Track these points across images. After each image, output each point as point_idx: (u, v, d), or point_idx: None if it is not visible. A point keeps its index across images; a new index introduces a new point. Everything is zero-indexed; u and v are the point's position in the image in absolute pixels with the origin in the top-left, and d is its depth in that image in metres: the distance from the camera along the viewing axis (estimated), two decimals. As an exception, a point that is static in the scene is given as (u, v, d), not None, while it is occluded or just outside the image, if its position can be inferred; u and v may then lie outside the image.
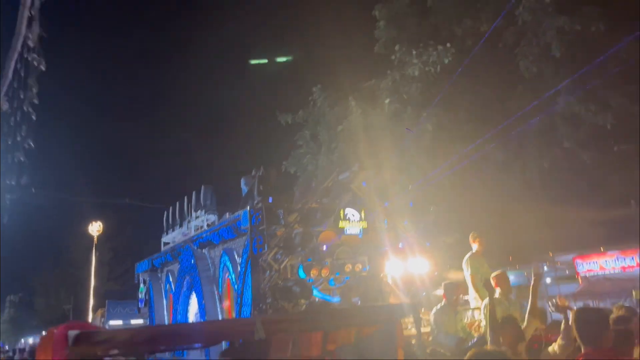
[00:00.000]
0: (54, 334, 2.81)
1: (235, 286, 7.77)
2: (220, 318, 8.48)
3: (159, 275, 11.68)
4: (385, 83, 11.66)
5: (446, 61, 11.09)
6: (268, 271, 6.74)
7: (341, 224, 7.59)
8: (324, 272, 6.87)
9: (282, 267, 6.72)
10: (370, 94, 12.39)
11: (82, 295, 31.18)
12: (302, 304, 6.67)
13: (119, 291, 32.75)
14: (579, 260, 12.86)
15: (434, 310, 5.91)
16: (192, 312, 9.59)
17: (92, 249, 31.82)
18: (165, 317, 11.12)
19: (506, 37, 11.44)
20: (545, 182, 10.69)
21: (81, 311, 31.45)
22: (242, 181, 8.74)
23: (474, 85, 11.21)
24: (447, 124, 10.76)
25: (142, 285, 12.47)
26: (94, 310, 31.87)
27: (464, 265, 7.35)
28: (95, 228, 31.05)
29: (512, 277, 7.37)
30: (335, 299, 7.04)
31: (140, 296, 12.49)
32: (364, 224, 7.94)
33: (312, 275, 6.77)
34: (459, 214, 9.87)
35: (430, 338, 6.01)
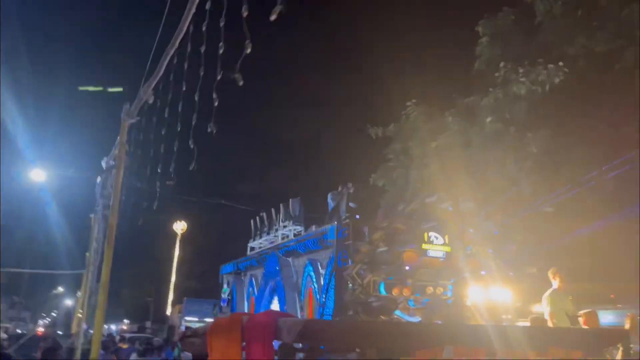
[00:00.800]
0: (261, 323, 3.48)
1: (318, 296, 8.26)
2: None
3: (242, 278, 12.50)
4: (486, 100, 11.58)
5: (556, 80, 10.82)
6: (351, 285, 7.12)
7: (424, 246, 7.85)
8: (406, 292, 7.18)
9: (365, 282, 7.08)
10: (469, 111, 12.49)
11: (163, 290, 33.41)
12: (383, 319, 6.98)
13: (197, 289, 34.55)
14: None
15: None
16: (273, 317, 10.18)
17: (175, 247, 33.87)
18: (246, 319, 11.85)
19: (625, 58, 10.96)
20: None
21: (161, 304, 33.57)
22: (329, 196, 9.26)
23: (585, 108, 10.84)
24: (553, 148, 10.53)
25: (225, 286, 13.37)
26: (173, 305, 33.86)
27: (544, 301, 7.38)
28: (179, 227, 33.13)
29: (611, 317, 7.27)
30: (415, 319, 7.29)
31: (223, 296, 13.38)
32: (448, 248, 8.15)
33: (394, 293, 7.06)
34: (548, 245, 9.72)
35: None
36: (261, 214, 12.01)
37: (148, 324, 33.52)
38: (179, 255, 33.56)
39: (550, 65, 10.86)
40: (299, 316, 9.23)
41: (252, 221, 12.23)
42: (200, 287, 36.04)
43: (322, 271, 8.61)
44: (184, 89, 4.69)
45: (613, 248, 9.41)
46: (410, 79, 14.43)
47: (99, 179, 6.68)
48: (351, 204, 7.81)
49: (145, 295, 35.30)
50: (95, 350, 3.49)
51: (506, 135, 10.93)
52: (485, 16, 12.59)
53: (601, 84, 10.92)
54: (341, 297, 7.55)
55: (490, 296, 7.92)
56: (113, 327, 35.37)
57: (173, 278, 33.17)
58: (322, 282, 8.47)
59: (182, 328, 32.11)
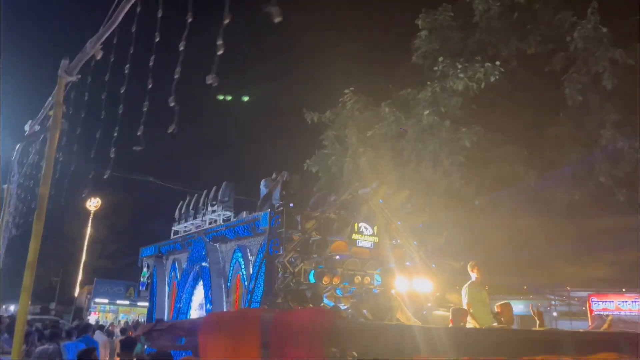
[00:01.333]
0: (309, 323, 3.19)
1: (246, 283, 8.26)
2: (225, 309, 8.91)
3: (164, 262, 12.13)
4: (424, 94, 12.01)
5: (492, 79, 11.35)
6: (282, 272, 7.18)
7: (354, 236, 8.07)
8: (335, 281, 7.39)
9: (296, 270, 7.17)
10: (404, 103, 12.95)
11: (71, 270, 31.60)
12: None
13: (109, 270, 33.09)
14: (594, 298, 13.30)
15: None
16: (196, 302, 10.08)
17: (87, 224, 32.19)
18: (166, 304, 11.62)
19: (554, 62, 11.65)
20: (572, 215, 10.86)
21: (68, 285, 31.84)
22: (262, 183, 9.23)
23: (515, 108, 11.56)
24: (485, 143, 11.20)
25: (145, 269, 12.98)
26: (81, 286, 32.26)
27: (463, 292, 7.86)
28: (93, 204, 31.43)
29: (520, 307, 7.88)
30: (342, 308, 7.50)
31: (142, 279, 13.00)
32: (376, 239, 8.47)
33: (324, 282, 7.23)
34: (473, 239, 10.33)
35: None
36: (188, 198, 11.71)
37: (53, 305, 31.69)
38: (90, 233, 31.97)
39: (488, 64, 11.42)
40: (224, 303, 9.17)
41: (180, 203, 11.90)
42: (112, 267, 34.58)
43: (251, 258, 8.61)
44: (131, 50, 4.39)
45: (529, 243, 10.21)
46: (348, 67, 14.62)
47: (18, 146, 6.17)
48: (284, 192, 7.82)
49: (50, 274, 33.30)
50: (18, 342, 3.25)
51: (441, 128, 11.43)
52: (424, 10, 12.91)
53: (530, 85, 11.64)
54: (271, 284, 7.61)
55: (413, 286, 8.31)
56: (12, 307, 33.07)
57: (83, 257, 31.57)
58: (251, 269, 8.48)
59: (92, 310, 30.71)
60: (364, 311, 6.93)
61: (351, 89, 13.60)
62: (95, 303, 31.93)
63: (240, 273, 8.73)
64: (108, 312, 31.82)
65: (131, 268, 35.65)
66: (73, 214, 32.67)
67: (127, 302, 31.99)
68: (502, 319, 6.46)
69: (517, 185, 10.50)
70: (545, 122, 11.47)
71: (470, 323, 7.73)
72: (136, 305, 32.52)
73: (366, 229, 8.49)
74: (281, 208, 7.85)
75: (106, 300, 31.94)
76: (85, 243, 31.82)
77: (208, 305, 9.28)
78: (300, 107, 14.22)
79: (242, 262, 8.67)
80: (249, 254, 8.71)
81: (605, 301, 13.26)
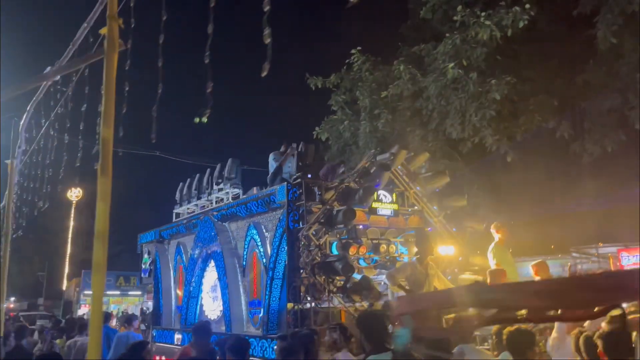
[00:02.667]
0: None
1: (264, 260, 7.99)
2: (241, 290, 8.67)
3: (166, 247, 11.77)
4: (443, 47, 11.28)
5: (521, 24, 10.50)
6: (306, 245, 6.94)
7: (374, 204, 7.83)
8: (362, 251, 7.15)
9: (321, 242, 6.94)
10: (417, 61, 12.24)
11: (57, 263, 30.88)
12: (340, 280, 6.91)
13: (96, 261, 32.32)
14: (624, 253, 12.70)
15: None
16: (208, 285, 9.81)
17: (70, 216, 31.41)
18: (172, 289, 11.28)
19: (584, 3, 10.84)
20: (604, 168, 10.33)
21: (55, 279, 31.16)
22: (271, 156, 8.92)
23: (540, 57, 11.10)
24: (513, 95, 10.68)
25: (146, 255, 12.60)
26: (69, 279, 31.65)
27: (490, 254, 7.74)
28: (74, 194, 30.59)
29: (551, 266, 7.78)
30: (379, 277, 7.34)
31: (143, 267, 12.63)
32: (395, 206, 8.27)
33: (351, 252, 7.01)
34: (498, 199, 10.13)
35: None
36: (188, 180, 11.30)
37: (41, 300, 31.02)
38: (74, 225, 31.18)
39: (516, 8, 10.66)
40: (240, 283, 8.92)
41: (180, 185, 11.47)
42: (100, 258, 33.81)
43: (267, 234, 8.34)
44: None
45: (557, 200, 10.04)
46: (350, 29, 14.03)
47: (24, 118, 5.73)
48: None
49: (35, 269, 32.50)
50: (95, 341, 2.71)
51: (467, 82, 10.81)
52: None
53: (555, 32, 11.21)
54: (294, 259, 7.36)
55: (436, 252, 8.15)
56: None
57: (68, 250, 30.83)
58: (268, 246, 8.20)
59: (82, 303, 30.17)
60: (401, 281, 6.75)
61: (358, 48, 12.97)
62: (84, 295, 31.39)
63: (257, 250, 8.45)
64: (99, 303, 31.32)
65: (120, 257, 35.08)
66: (54, 205, 31.81)
67: (117, 292, 31.52)
68: (539, 278, 6.35)
69: (548, 139, 10.24)
70: (574, 70, 10.96)
71: (502, 284, 7.63)
72: (127, 295, 32.10)
73: (385, 196, 8.28)
74: (299, 180, 7.56)
75: (96, 292, 31.42)
76: (70, 235, 31.09)
77: (223, 287, 9.02)
78: (302, 72, 13.64)
79: (258, 239, 8.39)
80: (264, 231, 8.44)
81: (637, 255, 12.61)
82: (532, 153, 10.52)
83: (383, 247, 7.56)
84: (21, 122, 5.89)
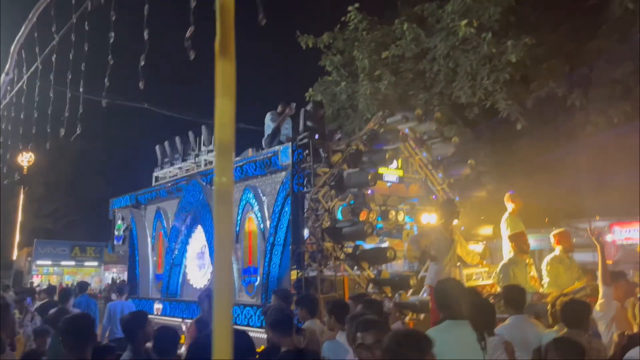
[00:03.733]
0: None
1: (262, 225, 7.53)
2: (233, 258, 8.19)
3: (143, 212, 11.06)
4: (452, 5, 10.67)
5: None
6: (313, 210, 6.53)
7: (380, 169, 7.48)
8: (372, 217, 6.81)
9: (331, 207, 6.55)
10: (420, 20, 11.62)
11: (7, 231, 29.14)
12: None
13: (49, 230, 30.88)
14: (616, 227, 12.73)
15: (504, 262, 6.02)
16: (193, 252, 9.27)
17: (20, 181, 29.58)
18: (151, 257, 10.64)
19: None
20: (607, 142, 9.95)
21: (4, 248, 29.47)
22: (268, 117, 8.41)
23: (552, 21, 10.64)
24: (527, 58, 10.16)
25: (119, 222, 11.84)
26: (20, 248, 30.03)
27: (503, 224, 7.57)
28: (25, 158, 28.74)
29: (535, 242, 7.68)
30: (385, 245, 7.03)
31: (116, 233, 11.88)
32: (400, 173, 7.94)
33: (361, 218, 6.65)
34: (503, 167, 9.88)
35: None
36: (167, 141, 10.57)
37: (-12, 270, 29.27)
38: (25, 191, 29.39)
39: None
40: (232, 250, 8.43)
41: (157, 147, 10.72)
42: (53, 227, 32.33)
43: (264, 199, 7.84)
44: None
45: (559, 170, 9.90)
46: None
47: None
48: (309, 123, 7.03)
49: (-18, 238, 30.58)
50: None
51: (480, 43, 10.24)
52: None
53: None
54: (298, 224, 6.93)
55: (437, 220, 7.93)
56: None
57: (19, 218, 29.12)
58: (266, 210, 7.73)
59: (34, 273, 28.74)
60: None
61: (356, 5, 12.27)
62: (37, 266, 29.93)
63: (253, 215, 7.97)
64: (52, 274, 29.96)
65: (75, 226, 33.57)
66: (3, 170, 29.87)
67: (72, 263, 30.22)
68: (562, 247, 6.22)
69: (556, 107, 10.00)
70: (586, 35, 10.54)
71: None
72: (83, 266, 30.84)
73: (390, 161, 7.95)
74: (306, 140, 7.09)
75: (49, 262, 30.00)
76: (20, 202, 29.36)
77: (212, 253, 8.50)
78: (293, 30, 12.79)
79: (255, 203, 7.89)
80: (261, 194, 7.95)
81: (629, 229, 12.61)
82: (540, 121, 10.27)
83: (392, 214, 7.24)
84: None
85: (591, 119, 9.71)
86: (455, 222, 6.60)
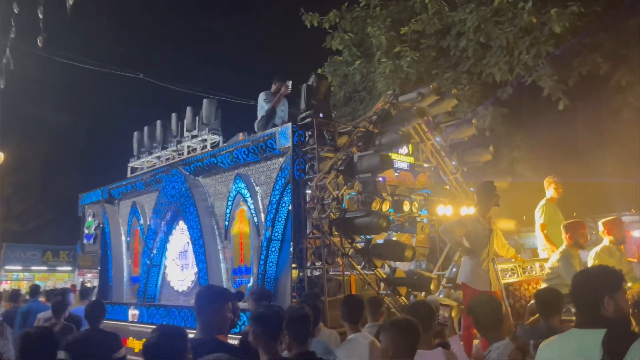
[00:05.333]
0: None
1: (255, 218, 6.40)
2: (220, 256, 7.04)
3: (117, 208, 9.79)
4: None
5: None
6: (319, 199, 5.44)
7: (392, 155, 6.45)
8: (385, 207, 5.74)
9: (340, 195, 5.46)
10: None
11: (-28, 235, 27.02)
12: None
13: (18, 232, 28.86)
14: None
15: (556, 255, 5.02)
16: (174, 251, 8.09)
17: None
18: (125, 257, 9.36)
19: None
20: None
21: (-31, 253, 27.35)
22: (262, 97, 7.34)
23: None
24: (575, 32, 8.88)
25: (90, 219, 10.54)
26: (-14, 253, 27.92)
27: (538, 212, 6.62)
28: (-6, 158, 26.77)
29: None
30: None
31: (86, 232, 10.54)
32: (411, 159, 6.92)
33: (373, 208, 5.59)
34: (536, 154, 8.84)
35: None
36: (146, 128, 9.33)
37: (-48, 276, 27.11)
38: (-7, 192, 27.35)
39: None
40: (219, 246, 7.27)
41: (135, 134, 9.44)
42: (22, 229, 30.29)
43: (257, 189, 6.72)
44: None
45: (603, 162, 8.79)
46: None
47: None
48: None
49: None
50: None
51: (519, 13, 9.07)
52: None
53: None
54: (300, 215, 5.83)
55: (454, 212, 6.95)
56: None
57: (-14, 220, 27.05)
58: (260, 201, 6.62)
59: (3, 279, 26.76)
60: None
61: None
62: (5, 271, 27.90)
63: (245, 207, 6.81)
64: (22, 280, 28.02)
65: (47, 229, 31.53)
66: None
67: (44, 268, 28.32)
68: (612, 238, 5.27)
69: (599, 87, 8.91)
70: (630, 11, 8.74)
71: (546, 246, 6.55)
72: (56, 271, 28.97)
73: (402, 147, 6.92)
74: (309, 119, 5.99)
75: (19, 267, 28.04)
76: (-13, 204, 27.32)
77: (199, 252, 7.30)
78: (296, 6, 11.41)
79: (247, 194, 6.74)
80: (254, 184, 6.81)
81: None
82: (582, 102, 9.15)
83: (406, 205, 6.19)
84: None
85: (630, 101, 8.64)
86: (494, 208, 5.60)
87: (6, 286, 26.89)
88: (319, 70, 11.62)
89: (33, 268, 28.44)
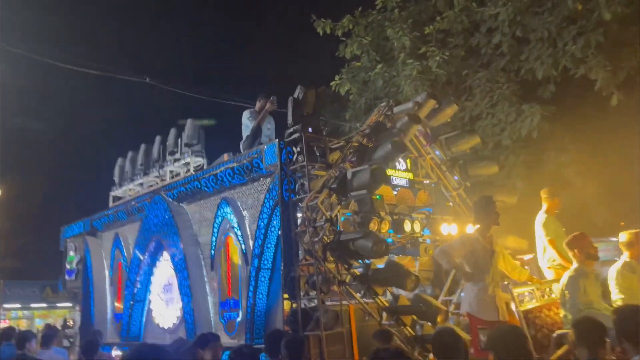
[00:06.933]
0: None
1: (243, 246, 5.64)
2: (207, 288, 6.25)
3: (100, 240, 9.01)
4: None
5: None
6: (311, 221, 4.71)
7: (388, 171, 5.75)
8: (384, 227, 5.01)
9: (334, 215, 4.72)
10: None
11: (-31, 272, 25.99)
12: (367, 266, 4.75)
13: (17, 269, 27.81)
14: None
15: (569, 273, 4.29)
16: (158, 284, 7.32)
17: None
18: (108, 293, 8.54)
19: None
20: None
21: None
22: (246, 115, 6.72)
23: None
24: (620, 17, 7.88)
25: (72, 253, 9.75)
26: (-17, 291, 26.82)
27: (540, 227, 5.93)
28: (-7, 193, 25.93)
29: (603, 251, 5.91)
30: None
31: (68, 267, 9.76)
32: (410, 175, 6.19)
33: (371, 228, 4.84)
34: (586, 156, 7.81)
35: (563, 314, 4.34)
36: (130, 154, 8.63)
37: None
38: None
39: None
40: (206, 278, 6.48)
41: (119, 161, 8.71)
42: (20, 266, 29.20)
43: (244, 213, 5.99)
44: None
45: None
46: None
47: None
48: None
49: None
50: None
51: (556, 2, 8.20)
52: None
53: None
54: (291, 239, 5.09)
55: (460, 231, 6.20)
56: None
57: (-17, 258, 26.06)
58: (248, 228, 5.87)
59: (2, 318, 25.64)
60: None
61: None
62: (4, 310, 26.70)
63: (232, 235, 6.06)
64: (21, 318, 26.84)
65: (45, 263, 30.44)
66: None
67: (44, 305, 27.13)
68: (631, 251, 4.53)
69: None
70: None
71: (553, 263, 5.81)
72: (55, 307, 27.73)
73: (399, 162, 6.22)
74: (297, 134, 5.29)
75: (18, 305, 26.88)
76: (-16, 241, 26.38)
77: (183, 284, 6.50)
78: (307, 13, 10.45)
79: (234, 220, 6.00)
80: (241, 208, 6.07)
81: None
82: (631, 97, 7.87)
83: (407, 224, 5.45)
84: None
85: None
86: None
87: (4, 325, 25.76)
88: (337, 78, 10.71)
89: (32, 305, 27.29)
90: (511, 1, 8.45)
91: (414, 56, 9.35)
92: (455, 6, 9.22)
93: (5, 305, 26.66)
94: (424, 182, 6.66)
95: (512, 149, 8.70)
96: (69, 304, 27.70)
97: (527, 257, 7.32)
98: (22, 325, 26.93)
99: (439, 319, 4.94)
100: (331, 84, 10.73)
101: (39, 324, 25.82)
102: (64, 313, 27.83)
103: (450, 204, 6.46)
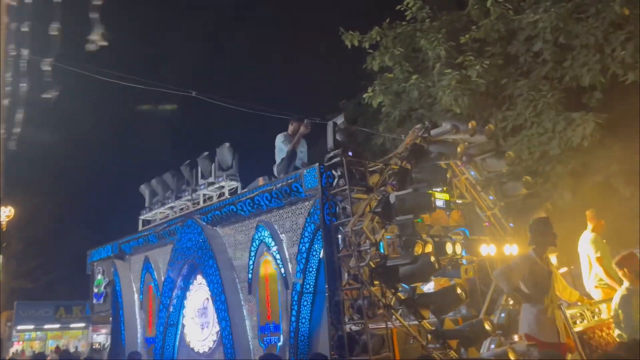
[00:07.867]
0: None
1: (282, 269, 5.62)
2: (245, 312, 6.22)
3: (129, 264, 9.00)
4: None
5: None
6: (355, 245, 4.70)
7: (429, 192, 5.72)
8: (428, 249, 4.97)
9: (378, 239, 4.72)
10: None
11: (-17, 294, 25.97)
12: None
13: (29, 290, 27.74)
14: None
15: (621, 292, 4.25)
16: (192, 308, 7.26)
17: (-1, 240, 26.73)
18: (138, 317, 8.51)
19: None
20: None
21: (-20, 313, 26.23)
22: (279, 138, 6.74)
23: None
24: None
25: (99, 276, 9.74)
26: (-1, 312, 26.78)
27: (589, 244, 5.82)
28: (4, 213, 25.93)
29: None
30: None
31: (96, 290, 9.69)
32: (446, 196, 6.16)
33: (416, 253, 4.82)
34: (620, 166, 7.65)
35: (618, 333, 4.28)
36: (156, 178, 8.67)
37: (-37, 338, 25.86)
38: (3, 248, 26.47)
39: None
40: (242, 301, 6.45)
41: (143, 186, 8.76)
42: (33, 287, 29.15)
43: (282, 236, 5.98)
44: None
45: None
46: None
47: None
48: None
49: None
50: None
51: (598, 10, 8.00)
52: None
53: None
54: (334, 264, 5.07)
55: (498, 252, 6.17)
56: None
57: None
58: (286, 250, 5.86)
59: (15, 340, 25.56)
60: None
61: None
62: (17, 331, 26.61)
63: (270, 257, 6.05)
64: (34, 339, 26.67)
65: (58, 284, 30.44)
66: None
67: (57, 326, 26.98)
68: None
69: None
70: None
71: (601, 282, 5.75)
72: (69, 328, 27.61)
73: (437, 183, 6.22)
74: (338, 158, 5.31)
75: (31, 326, 26.75)
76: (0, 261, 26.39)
77: (220, 308, 6.47)
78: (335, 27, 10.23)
79: (272, 243, 6.00)
80: (279, 232, 6.07)
81: None
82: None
83: (449, 246, 5.42)
84: None
85: None
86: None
87: (18, 347, 25.64)
88: (369, 90, 10.48)
89: (46, 326, 27.14)
90: (553, 7, 8.28)
91: (450, 66, 9.19)
92: (491, 14, 9.07)
93: (19, 327, 26.53)
94: (457, 201, 6.67)
95: (559, 159, 8.43)
96: (81, 325, 27.60)
97: (561, 270, 7.27)
98: (35, 347, 26.84)
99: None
100: (364, 95, 10.52)
101: (51, 345, 25.71)
102: (77, 334, 27.74)
103: (487, 224, 6.45)
